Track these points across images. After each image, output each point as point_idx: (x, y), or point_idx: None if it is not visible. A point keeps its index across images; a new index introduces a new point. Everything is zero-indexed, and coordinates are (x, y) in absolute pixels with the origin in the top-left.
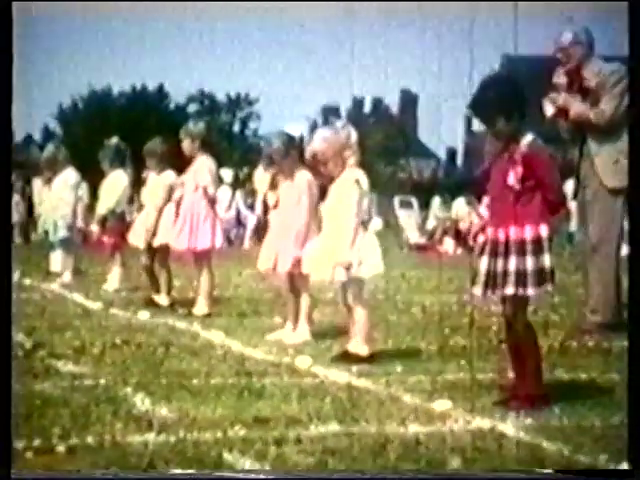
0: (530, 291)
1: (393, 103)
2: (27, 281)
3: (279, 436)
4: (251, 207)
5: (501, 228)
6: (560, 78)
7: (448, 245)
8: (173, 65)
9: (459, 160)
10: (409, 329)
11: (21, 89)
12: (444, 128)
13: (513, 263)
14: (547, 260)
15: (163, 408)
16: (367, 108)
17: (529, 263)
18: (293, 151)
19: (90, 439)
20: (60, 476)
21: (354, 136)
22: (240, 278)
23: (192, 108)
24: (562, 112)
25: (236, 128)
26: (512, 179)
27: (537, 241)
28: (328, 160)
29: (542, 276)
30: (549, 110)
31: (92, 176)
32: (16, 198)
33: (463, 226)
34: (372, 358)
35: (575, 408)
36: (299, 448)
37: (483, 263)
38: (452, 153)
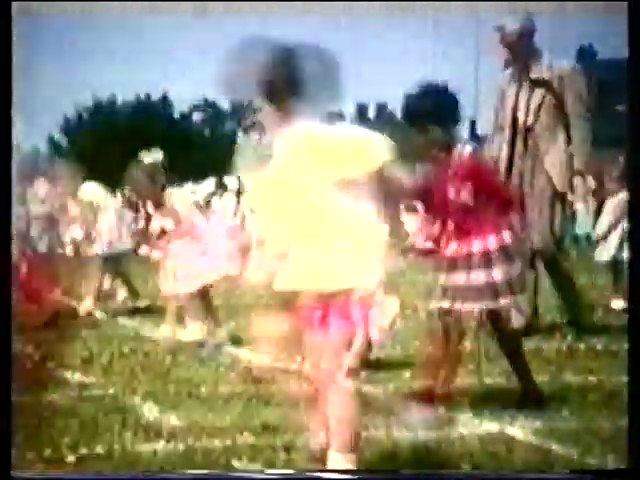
0: (485, 304)
1: (397, 108)
2: None
3: (288, 443)
4: None
5: (453, 241)
6: None
7: (454, 249)
8: (176, 74)
9: None
10: (416, 335)
11: (26, 99)
12: None
13: (465, 277)
14: (499, 273)
15: (171, 416)
16: (371, 114)
17: (481, 277)
18: None
19: (99, 448)
20: (60, 476)
21: None
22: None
23: (196, 117)
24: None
25: (240, 136)
26: (463, 195)
27: (486, 254)
28: None
29: (495, 289)
30: None
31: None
32: (22, 210)
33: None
34: (380, 364)
35: (584, 411)
36: (308, 455)
37: (441, 278)
38: None
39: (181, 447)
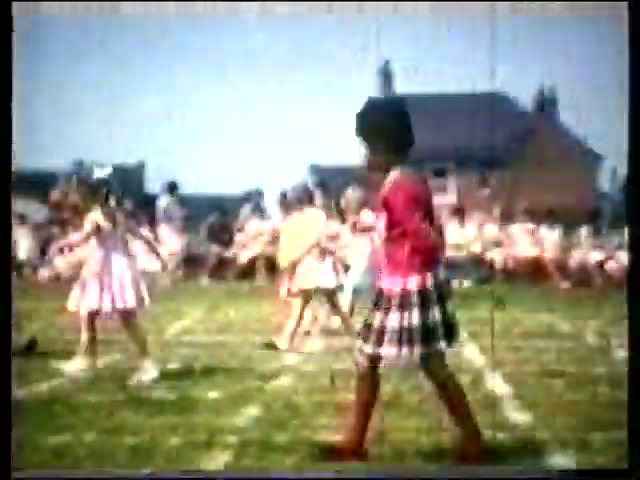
0: (389, 350)
1: None
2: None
3: None
4: None
5: (380, 279)
6: None
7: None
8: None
9: None
10: None
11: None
12: None
13: (379, 318)
14: (415, 317)
15: None
16: None
17: (392, 320)
18: None
19: None
20: (61, 475)
21: None
22: None
23: None
24: None
25: None
26: (380, 224)
27: (405, 295)
28: None
29: (410, 335)
30: None
31: None
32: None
33: None
34: None
35: None
36: None
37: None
38: None
39: None
